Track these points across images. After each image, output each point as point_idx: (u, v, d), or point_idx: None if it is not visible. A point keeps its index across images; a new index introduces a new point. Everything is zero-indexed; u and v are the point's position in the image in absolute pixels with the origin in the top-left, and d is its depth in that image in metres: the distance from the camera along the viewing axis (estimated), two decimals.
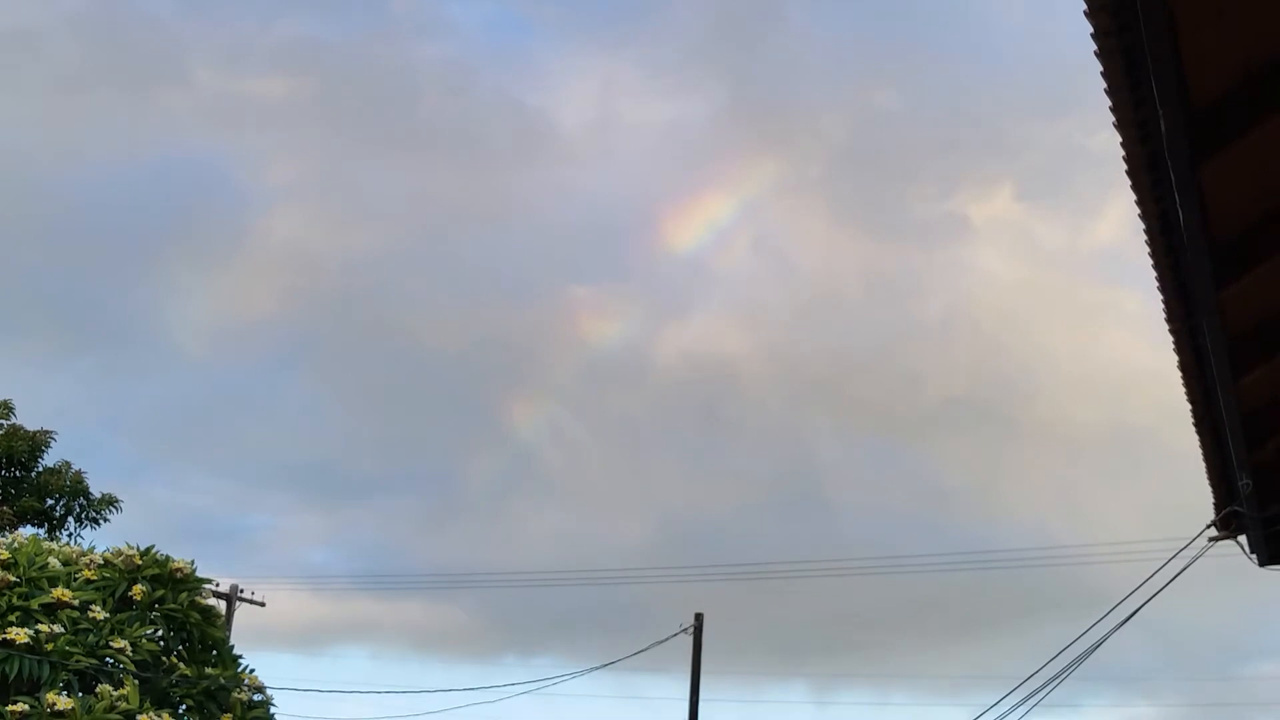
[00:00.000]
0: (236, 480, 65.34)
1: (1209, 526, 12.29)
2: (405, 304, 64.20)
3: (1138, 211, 6.36)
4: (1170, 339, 7.66)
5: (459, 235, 65.86)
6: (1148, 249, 6.53)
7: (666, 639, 32.13)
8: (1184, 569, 13.42)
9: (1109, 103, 5.60)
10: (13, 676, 11.23)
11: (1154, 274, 6.88)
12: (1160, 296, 7.18)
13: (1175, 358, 8.04)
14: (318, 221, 64.52)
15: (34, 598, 11.73)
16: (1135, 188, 6.01)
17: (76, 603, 11.86)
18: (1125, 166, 6.02)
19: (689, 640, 32.01)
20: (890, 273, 62.45)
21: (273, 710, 12.88)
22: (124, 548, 12.62)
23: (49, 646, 11.42)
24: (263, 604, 36.81)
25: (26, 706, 11.06)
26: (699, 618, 32.14)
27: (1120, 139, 5.78)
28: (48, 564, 12.13)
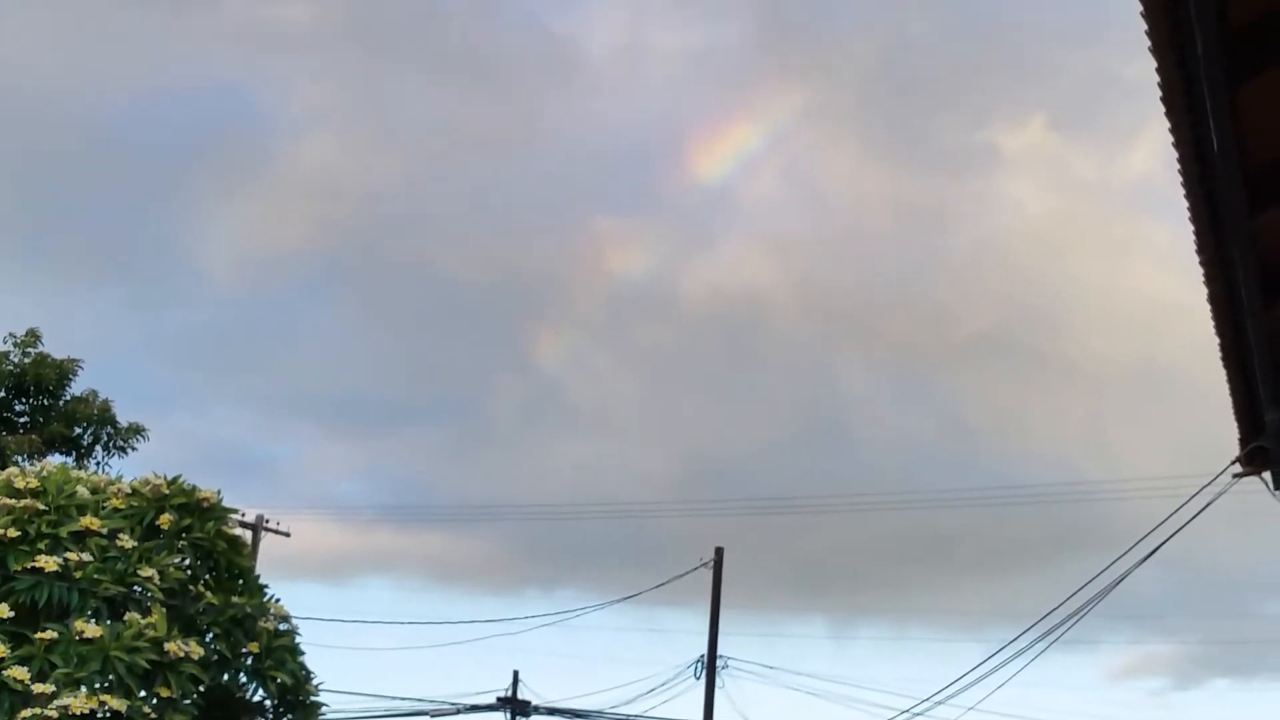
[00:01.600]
0: (264, 410, 65.68)
1: (1234, 462, 12.19)
2: (432, 233, 64.07)
3: (1171, 139, 6.23)
4: (1200, 270, 7.54)
5: (486, 164, 65.54)
6: (1180, 177, 6.41)
7: (687, 573, 32.32)
8: (1207, 505, 13.35)
9: (1144, 25, 5.47)
10: (42, 603, 11.34)
11: (1186, 203, 6.76)
12: (1191, 226, 7.06)
13: (1205, 291, 7.92)
14: (344, 148, 64.27)
15: (62, 525, 11.81)
16: (1169, 113, 5.89)
17: (105, 531, 11.94)
18: (1160, 91, 5.89)
19: (709, 574, 32.21)
20: (920, 204, 61.88)
21: (298, 639, 12.99)
22: (151, 477, 12.68)
23: (78, 574, 11.52)
24: (288, 534, 37.17)
25: (56, 633, 11.18)
26: (719, 551, 32.32)
27: (1155, 62, 5.65)
28: (76, 492, 12.21)
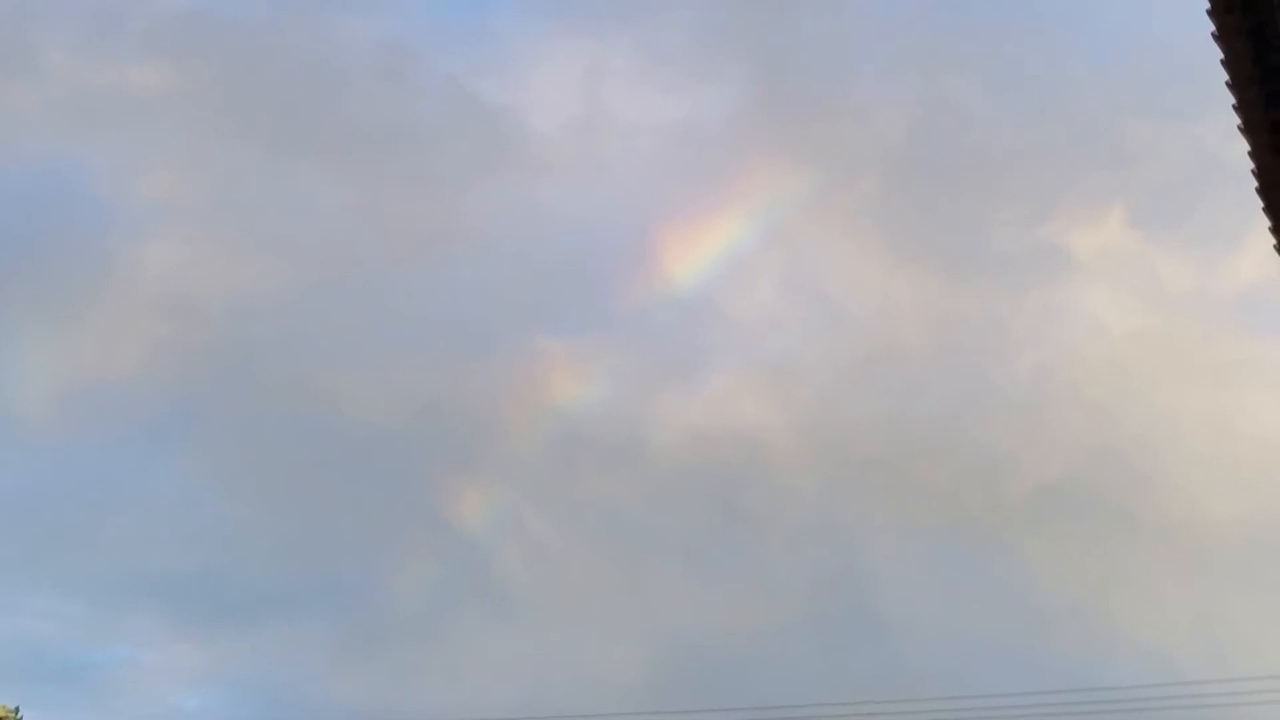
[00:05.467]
0: (88, 599, 64.97)
1: None
2: (319, 361, 64.18)
3: (1273, 240, 6.38)
4: None
5: (392, 271, 65.99)
6: None
7: None
8: None
9: (1232, 99, 5.63)
10: None
11: None
12: None
13: None
14: (203, 251, 64.52)
15: None
16: (1268, 209, 6.04)
17: None
18: (1255, 182, 6.05)
19: None
20: (965, 320, 62.54)
21: None
22: None
23: None
24: None
25: None
26: None
27: (1248, 145, 5.81)
28: None
